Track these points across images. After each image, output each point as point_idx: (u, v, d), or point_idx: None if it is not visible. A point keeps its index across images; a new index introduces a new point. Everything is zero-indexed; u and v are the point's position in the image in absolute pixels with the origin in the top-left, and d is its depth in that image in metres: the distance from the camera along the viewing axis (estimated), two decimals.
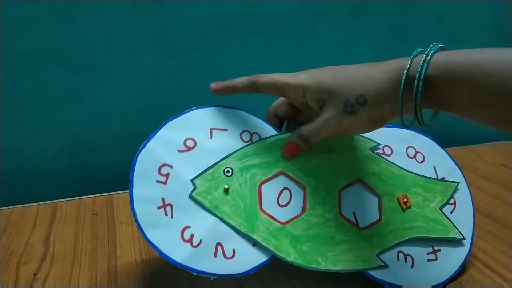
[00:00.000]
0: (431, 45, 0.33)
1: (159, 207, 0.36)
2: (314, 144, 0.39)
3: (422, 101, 0.32)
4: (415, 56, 0.33)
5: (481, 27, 0.78)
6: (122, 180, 0.67)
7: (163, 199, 0.36)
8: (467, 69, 0.29)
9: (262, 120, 0.43)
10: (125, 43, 0.60)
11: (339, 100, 0.36)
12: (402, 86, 0.32)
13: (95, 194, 0.58)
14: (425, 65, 0.31)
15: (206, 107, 0.43)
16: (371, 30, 0.72)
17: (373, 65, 0.37)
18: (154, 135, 0.40)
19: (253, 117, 0.43)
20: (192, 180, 0.38)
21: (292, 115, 0.42)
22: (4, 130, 0.59)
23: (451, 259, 0.41)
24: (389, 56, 0.80)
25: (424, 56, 0.32)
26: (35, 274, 0.42)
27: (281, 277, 0.41)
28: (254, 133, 0.41)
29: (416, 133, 0.47)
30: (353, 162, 0.42)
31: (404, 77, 0.32)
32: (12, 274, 0.42)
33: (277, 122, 0.43)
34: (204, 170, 0.38)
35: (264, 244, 0.37)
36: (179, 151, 0.39)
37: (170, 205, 0.36)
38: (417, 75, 0.31)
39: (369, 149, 0.43)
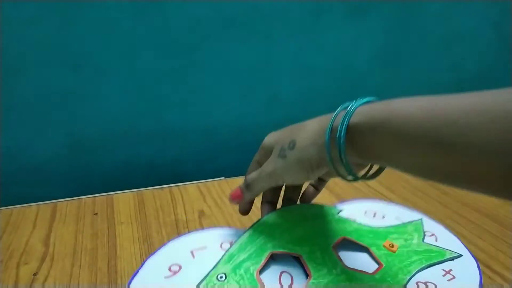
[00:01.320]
0: (360, 98, 0.34)
1: None
2: (258, 194, 0.43)
3: (345, 146, 0.32)
4: (346, 107, 0.34)
5: (481, 27, 0.78)
6: (122, 180, 0.67)
7: None
8: (386, 114, 0.30)
9: (236, 228, 0.47)
10: (125, 43, 0.60)
11: (277, 147, 0.39)
12: (328, 131, 0.34)
13: (95, 194, 0.58)
14: (349, 112, 0.33)
15: (180, 236, 0.46)
16: (371, 30, 0.72)
17: (315, 120, 0.38)
18: (137, 272, 0.41)
19: (227, 228, 0.48)
20: None
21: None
22: (4, 130, 0.59)
23: (467, 270, 0.42)
24: (389, 56, 0.81)
25: (350, 105, 0.33)
26: (35, 274, 0.42)
27: None
28: (231, 240, 0.44)
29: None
30: (331, 224, 0.45)
31: (330, 122, 0.34)
32: (12, 274, 0.42)
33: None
34: (197, 286, 0.38)
35: None
36: (165, 277, 0.39)
37: None
38: (341, 121, 0.33)
39: (337, 214, 0.47)
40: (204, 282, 0.38)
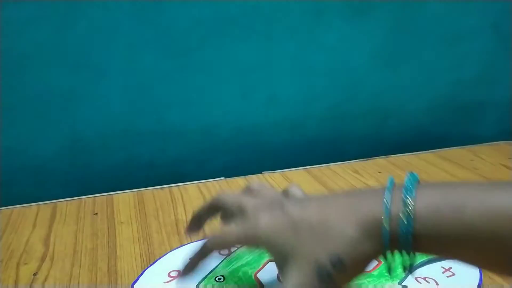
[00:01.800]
0: (406, 183, 0.27)
1: None
2: None
3: (414, 259, 0.27)
4: (388, 202, 0.27)
5: (481, 27, 0.78)
6: (122, 180, 0.67)
7: None
8: (461, 231, 0.25)
9: None
10: (126, 43, 0.60)
11: (304, 264, 0.27)
12: (386, 247, 0.26)
13: (95, 194, 0.58)
14: (410, 225, 0.25)
15: (178, 247, 0.46)
16: (371, 30, 0.72)
17: (341, 213, 0.28)
18: (137, 280, 0.41)
19: None
20: None
21: None
22: (4, 130, 0.59)
23: (467, 269, 0.41)
24: (388, 56, 0.80)
25: (403, 207, 0.26)
26: (35, 274, 0.42)
27: None
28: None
29: None
30: None
31: (386, 237, 0.26)
32: (12, 274, 0.42)
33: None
34: (196, 286, 0.38)
35: None
36: (165, 282, 0.40)
37: None
38: (402, 232, 0.26)
39: None
40: (202, 283, 0.38)
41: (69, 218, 0.52)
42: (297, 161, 0.69)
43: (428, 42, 0.76)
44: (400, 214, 0.25)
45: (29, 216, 0.53)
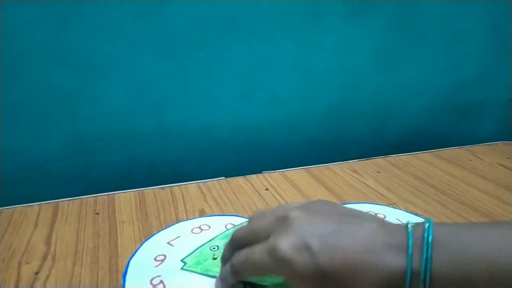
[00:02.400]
0: (425, 231, 0.27)
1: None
2: None
3: None
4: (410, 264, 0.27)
5: (481, 27, 0.78)
6: (124, 179, 0.67)
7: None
8: (482, 273, 0.25)
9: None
10: (126, 43, 0.60)
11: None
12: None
13: (97, 194, 0.58)
14: (428, 274, 0.26)
15: (151, 236, 0.48)
16: (371, 30, 0.72)
17: (366, 269, 0.28)
18: (126, 271, 0.42)
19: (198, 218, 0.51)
20: (182, 260, 0.42)
21: None
22: (5, 130, 0.59)
23: None
24: (388, 56, 0.80)
25: (424, 261, 0.26)
26: (36, 273, 0.42)
27: None
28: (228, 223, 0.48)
29: None
30: None
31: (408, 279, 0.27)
32: (13, 273, 0.42)
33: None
34: (192, 251, 0.43)
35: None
36: (155, 266, 0.42)
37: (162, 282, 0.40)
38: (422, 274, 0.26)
39: None
40: (198, 250, 0.41)
41: (70, 217, 0.52)
42: (296, 161, 0.70)
43: (427, 42, 0.76)
44: (421, 275, 0.26)
45: (31, 216, 0.53)
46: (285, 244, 0.29)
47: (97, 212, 0.54)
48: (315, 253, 0.28)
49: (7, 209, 0.54)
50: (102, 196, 0.57)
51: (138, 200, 0.56)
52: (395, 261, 0.27)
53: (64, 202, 0.56)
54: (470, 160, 0.70)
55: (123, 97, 0.63)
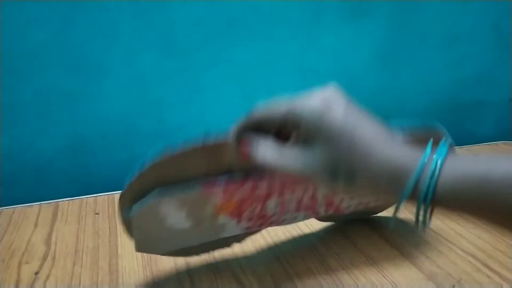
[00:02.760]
0: (440, 147, 0.28)
1: None
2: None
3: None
4: (427, 160, 0.28)
5: (481, 27, 0.78)
6: (123, 179, 0.67)
7: None
8: (487, 193, 0.26)
9: None
10: (126, 43, 0.60)
11: (330, 157, 0.30)
12: (407, 192, 0.28)
13: (97, 194, 0.58)
14: (435, 176, 0.27)
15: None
16: (371, 30, 0.72)
17: (386, 146, 0.29)
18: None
19: None
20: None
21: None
22: (5, 130, 0.59)
23: None
24: (388, 56, 0.80)
25: (434, 164, 0.27)
26: (36, 273, 0.42)
27: (280, 275, 0.42)
28: None
29: None
30: None
31: (410, 185, 0.27)
32: (13, 273, 0.42)
33: (254, 127, 0.36)
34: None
35: None
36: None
37: None
38: (425, 190, 0.27)
39: None
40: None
41: (70, 217, 0.52)
42: None
43: (427, 42, 0.76)
44: (430, 167, 0.27)
45: (31, 216, 0.53)
46: (315, 102, 0.32)
47: (97, 212, 0.54)
48: (342, 113, 0.30)
49: (7, 209, 0.54)
50: (102, 196, 0.57)
51: None
52: (410, 153, 0.28)
53: (64, 202, 0.56)
54: None
55: (123, 97, 0.63)
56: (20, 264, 0.44)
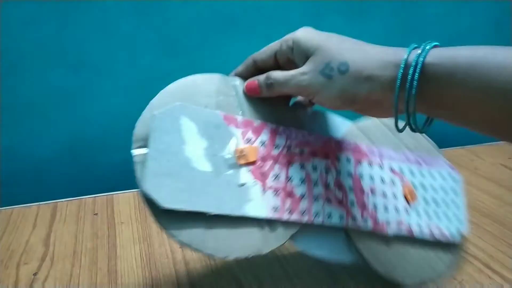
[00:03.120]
0: (427, 42, 0.30)
1: None
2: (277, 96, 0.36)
3: (417, 91, 0.28)
4: (418, 46, 0.30)
5: (481, 27, 0.78)
6: (122, 180, 0.67)
7: None
8: (473, 60, 0.26)
9: None
10: (126, 43, 0.60)
11: (322, 59, 0.32)
12: (401, 70, 0.29)
13: (95, 194, 0.58)
14: (426, 51, 0.28)
15: None
16: (371, 30, 0.72)
17: (374, 45, 0.33)
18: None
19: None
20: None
21: (271, 68, 0.38)
22: (4, 130, 0.59)
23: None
24: None
25: (423, 45, 0.29)
26: (35, 274, 0.42)
27: (280, 276, 0.42)
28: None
29: None
30: None
31: (405, 59, 0.29)
32: (12, 274, 0.42)
33: (253, 70, 0.40)
34: None
35: None
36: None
37: None
38: (415, 59, 0.28)
39: None
40: None
41: (69, 218, 0.52)
42: None
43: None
44: (419, 51, 0.28)
45: (29, 216, 0.53)
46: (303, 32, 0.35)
47: (96, 212, 0.53)
48: (324, 32, 0.35)
49: (6, 210, 0.54)
50: (101, 197, 0.57)
51: (137, 201, 0.56)
52: (396, 49, 0.31)
53: (62, 203, 0.56)
54: (472, 160, 0.70)
55: (122, 96, 0.63)
56: (18, 265, 0.43)
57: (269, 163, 0.36)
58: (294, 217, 0.35)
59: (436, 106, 0.29)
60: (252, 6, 0.64)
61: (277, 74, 0.35)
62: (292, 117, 0.39)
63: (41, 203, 0.56)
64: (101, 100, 0.62)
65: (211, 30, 0.63)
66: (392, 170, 0.42)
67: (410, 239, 0.40)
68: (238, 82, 0.39)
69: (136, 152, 0.33)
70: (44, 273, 0.42)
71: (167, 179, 0.31)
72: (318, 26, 0.71)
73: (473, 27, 0.77)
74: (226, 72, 0.68)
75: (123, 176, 0.68)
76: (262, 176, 0.35)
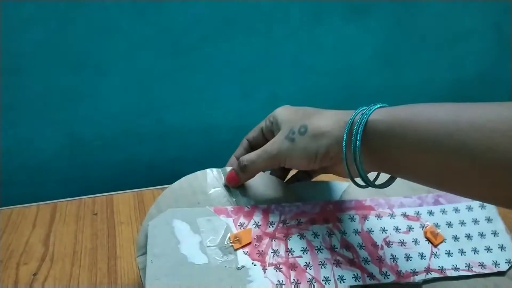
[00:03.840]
0: (377, 104, 0.34)
1: None
2: (254, 175, 0.39)
3: (361, 144, 0.32)
4: (365, 108, 0.34)
5: (481, 27, 0.78)
6: (122, 180, 0.67)
7: None
8: (409, 115, 0.30)
9: None
10: (125, 42, 0.60)
11: (287, 127, 0.37)
12: (348, 125, 0.33)
13: (95, 194, 0.58)
14: (370, 110, 0.33)
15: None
16: (371, 29, 0.72)
17: (331, 110, 0.38)
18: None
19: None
20: None
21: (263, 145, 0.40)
22: (4, 130, 0.59)
23: None
24: (389, 56, 0.80)
25: (370, 106, 0.33)
26: (34, 274, 0.42)
27: None
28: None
29: None
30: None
31: (352, 117, 0.33)
32: (11, 274, 0.42)
33: (249, 150, 0.43)
34: None
35: None
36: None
37: None
38: (360, 117, 0.32)
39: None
40: None
41: (69, 218, 0.52)
42: None
43: (428, 41, 0.76)
44: (363, 112, 0.33)
45: (29, 216, 0.52)
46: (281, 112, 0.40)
47: (95, 212, 0.53)
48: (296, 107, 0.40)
49: (5, 210, 0.54)
50: (101, 197, 0.57)
51: (137, 201, 0.56)
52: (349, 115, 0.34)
53: (62, 203, 0.56)
54: None
55: (121, 96, 0.63)
56: (18, 265, 0.43)
57: (265, 241, 0.36)
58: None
59: (383, 160, 0.32)
60: (252, 6, 0.63)
61: (248, 156, 0.39)
62: (287, 193, 0.40)
63: (40, 203, 0.56)
64: (100, 99, 0.62)
65: (210, 29, 0.63)
66: (406, 217, 0.40)
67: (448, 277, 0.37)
68: (227, 168, 0.42)
69: (139, 260, 0.36)
70: (43, 273, 0.42)
71: (166, 279, 0.33)
72: (318, 26, 0.71)
73: (473, 27, 0.77)
74: (226, 72, 0.68)
75: (123, 176, 0.68)
76: (261, 256, 0.35)
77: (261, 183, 0.40)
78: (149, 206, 0.54)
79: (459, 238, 0.40)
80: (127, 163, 0.67)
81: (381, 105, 0.33)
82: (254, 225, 0.37)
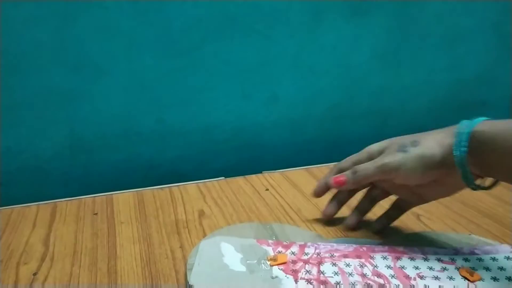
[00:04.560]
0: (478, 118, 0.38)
1: None
2: (362, 182, 0.43)
3: (466, 151, 0.36)
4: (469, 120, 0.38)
5: (481, 27, 0.78)
6: (122, 180, 0.67)
7: None
8: (507, 125, 0.35)
9: None
10: (125, 43, 0.60)
11: (395, 145, 0.41)
12: (456, 134, 0.37)
13: (95, 194, 0.58)
14: (474, 122, 0.37)
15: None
16: (371, 30, 0.72)
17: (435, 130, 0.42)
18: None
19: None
20: None
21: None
22: (4, 130, 0.59)
23: None
24: (389, 56, 0.80)
25: (473, 119, 0.38)
26: (35, 274, 0.42)
27: None
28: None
29: None
30: None
31: (459, 128, 0.37)
32: (11, 274, 0.42)
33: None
34: None
35: None
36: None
37: None
38: (465, 128, 0.37)
39: None
40: None
41: (69, 218, 0.52)
42: (297, 160, 0.69)
43: (428, 41, 0.76)
44: (468, 123, 0.37)
45: (29, 216, 0.52)
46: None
47: (95, 212, 0.53)
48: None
49: (5, 209, 0.54)
50: (101, 196, 0.57)
51: (137, 201, 0.56)
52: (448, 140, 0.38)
53: (62, 203, 0.56)
54: None
55: (122, 96, 0.63)
56: (18, 265, 0.43)
57: (299, 264, 0.40)
58: None
59: (487, 166, 0.36)
60: (252, 6, 0.64)
61: (361, 165, 0.43)
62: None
63: (40, 203, 0.56)
64: (100, 99, 0.62)
65: (210, 29, 0.63)
66: (440, 261, 0.40)
67: None
68: (273, 224, 0.48)
69: (188, 261, 0.41)
70: (44, 273, 0.42)
71: (207, 278, 0.38)
72: (318, 26, 0.71)
73: (473, 27, 0.78)
74: (226, 72, 0.68)
75: (123, 176, 0.68)
76: (294, 272, 0.39)
77: (299, 232, 0.46)
78: (149, 206, 0.54)
79: (498, 279, 0.37)
80: (127, 163, 0.67)
81: (484, 118, 0.37)
82: (291, 253, 0.41)
